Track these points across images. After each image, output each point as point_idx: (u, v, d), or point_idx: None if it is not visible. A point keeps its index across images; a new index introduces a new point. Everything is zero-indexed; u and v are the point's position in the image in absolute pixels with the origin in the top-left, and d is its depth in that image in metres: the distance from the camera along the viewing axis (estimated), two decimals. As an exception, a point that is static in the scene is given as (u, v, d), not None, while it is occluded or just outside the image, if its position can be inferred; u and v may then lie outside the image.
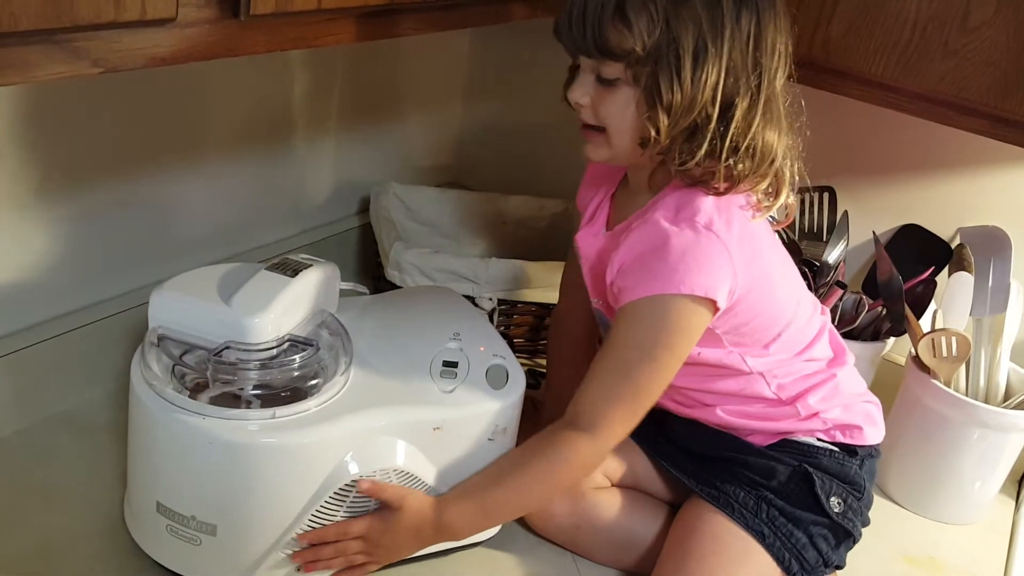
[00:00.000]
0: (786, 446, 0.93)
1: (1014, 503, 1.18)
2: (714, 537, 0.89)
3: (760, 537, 0.88)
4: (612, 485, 0.97)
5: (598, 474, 0.95)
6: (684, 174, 0.83)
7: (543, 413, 1.08)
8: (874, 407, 0.97)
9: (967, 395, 1.09)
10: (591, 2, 0.80)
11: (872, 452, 0.95)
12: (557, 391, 1.08)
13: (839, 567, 0.92)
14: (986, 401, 1.09)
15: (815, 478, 0.90)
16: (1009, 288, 1.10)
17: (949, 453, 1.08)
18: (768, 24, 0.81)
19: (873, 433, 0.95)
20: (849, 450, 0.93)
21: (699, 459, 0.96)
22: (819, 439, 0.93)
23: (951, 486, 1.10)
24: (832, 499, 0.90)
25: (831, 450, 0.93)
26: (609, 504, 0.94)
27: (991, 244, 1.13)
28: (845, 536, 0.91)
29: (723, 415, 0.93)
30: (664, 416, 0.99)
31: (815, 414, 0.92)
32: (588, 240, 0.95)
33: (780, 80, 0.83)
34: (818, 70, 0.95)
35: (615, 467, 0.97)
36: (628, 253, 0.84)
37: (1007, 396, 1.11)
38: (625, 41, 0.79)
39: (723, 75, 0.79)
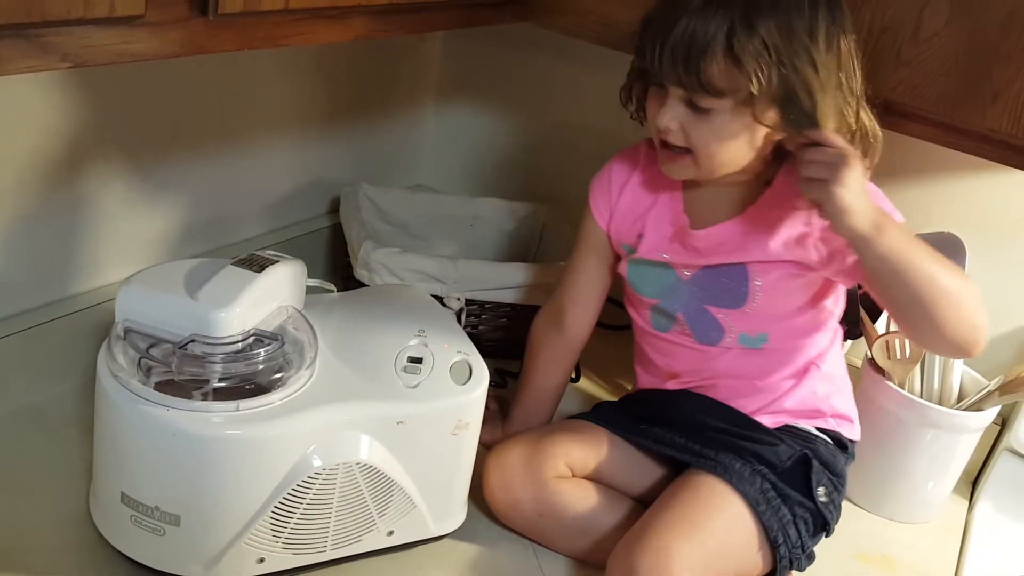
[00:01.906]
0: (788, 431, 0.99)
1: (967, 503, 1.20)
2: (709, 492, 0.91)
3: (754, 504, 0.90)
4: (573, 476, 0.98)
5: (560, 463, 0.97)
6: None
7: (514, 413, 1.10)
8: (853, 402, 1.04)
9: (921, 396, 1.11)
10: (696, 38, 0.82)
11: (853, 452, 1.02)
12: (536, 396, 1.10)
13: (810, 559, 0.95)
14: (939, 403, 1.11)
15: (813, 464, 0.95)
16: (962, 293, 1.13)
17: (903, 453, 1.10)
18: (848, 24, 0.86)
19: (856, 430, 1.03)
20: (840, 444, 1.00)
21: (694, 435, 0.98)
22: (818, 428, 1.00)
23: (905, 486, 1.13)
24: (820, 488, 0.95)
25: (826, 441, 0.99)
26: (572, 493, 0.96)
27: (946, 250, 1.14)
28: (822, 526, 0.95)
29: (757, 382, 0.99)
30: (658, 397, 1.04)
31: (831, 384, 1.01)
32: (706, 238, 0.96)
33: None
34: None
35: (579, 457, 0.98)
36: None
37: (960, 398, 1.14)
38: (733, 80, 0.83)
39: (838, 89, 0.85)
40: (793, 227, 0.93)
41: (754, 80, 0.82)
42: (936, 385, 1.13)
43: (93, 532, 0.86)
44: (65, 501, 0.90)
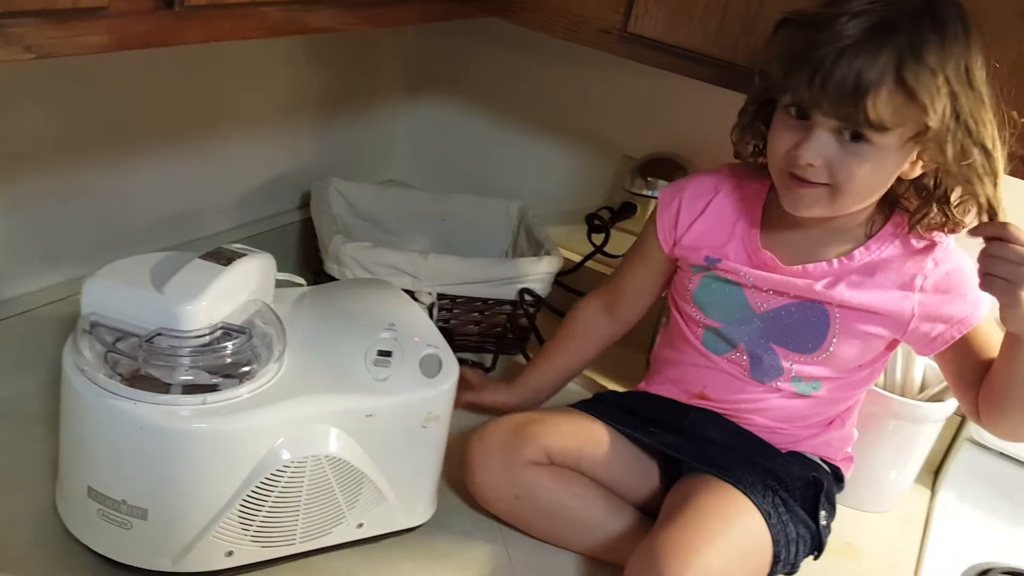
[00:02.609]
0: (796, 456, 1.01)
1: (929, 492, 1.23)
2: (728, 501, 0.91)
3: (766, 516, 0.91)
4: (552, 463, 0.99)
5: (540, 451, 0.97)
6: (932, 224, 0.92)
7: (527, 379, 1.13)
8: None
9: (884, 388, 1.13)
10: (865, 70, 0.79)
11: (843, 486, 1.05)
12: (559, 365, 1.13)
13: (792, 574, 0.96)
14: (902, 394, 1.13)
15: (824, 487, 0.98)
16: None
17: (866, 444, 1.12)
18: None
19: (851, 469, 1.07)
20: (838, 476, 1.03)
21: (703, 444, 0.99)
22: (821, 459, 1.02)
23: (868, 475, 1.14)
24: (822, 511, 0.97)
25: (827, 472, 1.02)
26: (548, 480, 0.97)
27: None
28: (815, 548, 0.97)
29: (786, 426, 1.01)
30: (670, 404, 1.04)
31: (846, 439, 1.05)
32: (802, 274, 0.95)
33: None
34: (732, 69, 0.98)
35: (559, 446, 0.98)
36: (933, 290, 0.93)
37: (922, 389, 1.16)
38: (902, 114, 0.81)
39: (997, 117, 0.84)
40: (899, 281, 0.93)
41: (931, 112, 0.80)
42: (899, 377, 1.15)
43: (59, 527, 0.85)
44: (31, 496, 0.89)
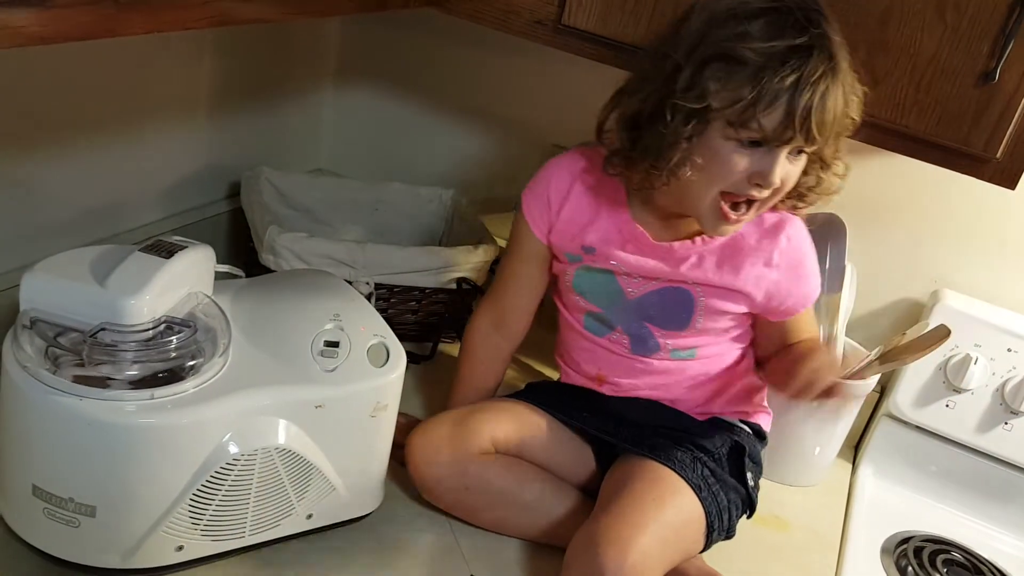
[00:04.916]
0: (715, 423, 1.05)
1: (851, 466, 1.29)
2: (653, 478, 0.95)
3: (697, 490, 0.95)
4: (498, 453, 1.00)
5: (486, 441, 0.99)
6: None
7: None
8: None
9: (809, 367, 1.18)
10: (834, 104, 0.86)
11: (767, 440, 1.10)
12: (474, 397, 1.10)
13: (729, 537, 1.00)
14: (825, 372, 1.18)
15: (746, 450, 1.02)
16: (844, 270, 1.21)
17: (792, 421, 1.17)
18: None
19: (770, 420, 1.10)
20: (759, 434, 1.08)
21: (633, 427, 1.03)
22: (741, 421, 1.06)
23: (794, 452, 1.20)
24: (749, 473, 1.02)
25: (747, 432, 1.06)
26: (498, 468, 0.99)
27: (828, 230, 1.23)
28: (747, 509, 1.02)
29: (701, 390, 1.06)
30: (586, 393, 1.08)
31: (754, 389, 1.09)
32: (670, 251, 0.99)
33: None
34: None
35: (504, 435, 1.00)
36: (786, 267, 1.00)
37: (842, 368, 1.21)
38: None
39: None
40: (757, 260, 0.99)
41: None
42: (822, 356, 1.20)
43: (3, 528, 0.83)
44: (-34, 498, 0.87)
